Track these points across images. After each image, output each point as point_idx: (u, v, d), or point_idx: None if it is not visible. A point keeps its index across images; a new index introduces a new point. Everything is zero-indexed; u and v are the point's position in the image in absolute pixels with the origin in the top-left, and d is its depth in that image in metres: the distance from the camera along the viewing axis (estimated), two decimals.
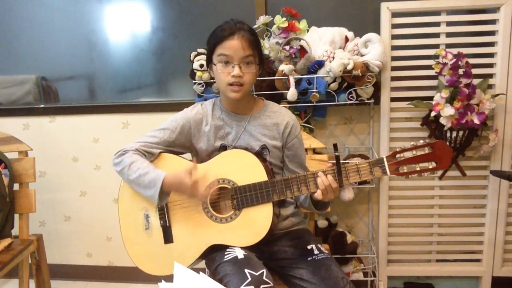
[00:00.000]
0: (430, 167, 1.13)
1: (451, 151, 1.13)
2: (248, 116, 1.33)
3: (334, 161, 1.15)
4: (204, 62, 1.71)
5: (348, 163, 1.18)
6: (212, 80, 1.75)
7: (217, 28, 1.24)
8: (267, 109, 1.35)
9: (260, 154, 1.30)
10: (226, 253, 1.20)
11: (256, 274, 1.11)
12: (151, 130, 1.36)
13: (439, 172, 1.86)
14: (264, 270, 1.13)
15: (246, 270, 1.11)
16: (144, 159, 1.29)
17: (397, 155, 1.14)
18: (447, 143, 1.71)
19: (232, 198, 1.26)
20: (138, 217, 1.33)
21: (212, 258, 1.25)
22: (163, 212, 1.30)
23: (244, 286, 1.07)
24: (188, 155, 1.41)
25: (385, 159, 1.14)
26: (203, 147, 1.34)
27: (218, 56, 1.23)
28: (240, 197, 1.24)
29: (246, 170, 1.25)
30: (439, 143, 1.12)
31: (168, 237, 1.29)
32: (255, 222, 1.23)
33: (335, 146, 1.16)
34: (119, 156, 1.31)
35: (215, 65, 1.24)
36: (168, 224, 1.30)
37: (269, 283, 1.11)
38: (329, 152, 1.80)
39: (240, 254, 1.18)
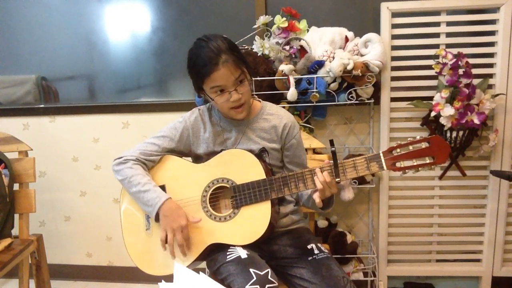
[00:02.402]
0: (428, 162, 1.12)
1: (448, 146, 1.12)
2: (246, 121, 1.33)
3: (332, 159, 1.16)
4: None
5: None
6: None
7: (197, 60, 1.19)
8: (264, 112, 1.35)
9: (259, 156, 1.30)
10: (228, 253, 1.20)
11: (261, 273, 1.11)
12: (150, 136, 1.35)
13: (439, 172, 1.86)
14: (269, 270, 1.13)
15: (251, 270, 1.11)
16: (145, 172, 1.29)
17: (394, 151, 1.13)
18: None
19: (231, 197, 1.26)
20: (139, 218, 1.33)
21: (214, 258, 1.25)
22: None
23: (250, 285, 1.07)
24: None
25: (381, 154, 1.14)
26: (203, 152, 1.34)
27: (211, 88, 1.21)
28: (238, 196, 1.24)
29: (244, 169, 1.25)
30: (436, 138, 1.11)
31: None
32: (254, 220, 1.23)
33: (331, 141, 1.17)
34: (119, 164, 1.30)
35: (210, 97, 1.24)
36: None
37: (274, 283, 1.11)
38: (329, 152, 1.80)
39: (243, 253, 1.18)
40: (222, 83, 1.19)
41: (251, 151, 1.29)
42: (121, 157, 1.31)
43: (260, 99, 1.40)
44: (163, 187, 1.31)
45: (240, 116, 1.27)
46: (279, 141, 1.33)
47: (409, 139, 1.13)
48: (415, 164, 1.12)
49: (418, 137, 1.13)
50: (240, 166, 1.26)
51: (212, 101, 1.26)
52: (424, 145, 1.12)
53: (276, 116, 1.34)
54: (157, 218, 1.25)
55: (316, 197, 1.16)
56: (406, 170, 1.13)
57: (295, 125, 1.35)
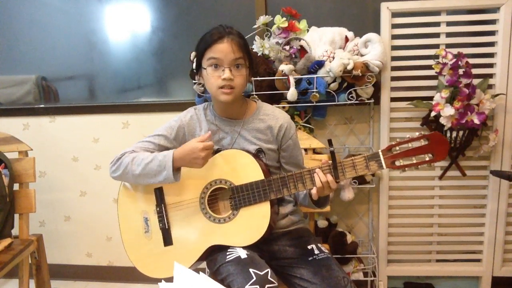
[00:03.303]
0: (427, 159, 1.11)
1: (447, 142, 1.12)
2: (241, 121, 1.33)
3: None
4: None
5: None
6: None
7: (206, 34, 1.25)
8: (260, 112, 1.35)
9: (256, 156, 1.30)
10: (228, 253, 1.20)
11: (261, 273, 1.11)
12: (146, 136, 1.35)
13: (439, 172, 1.86)
14: (269, 270, 1.13)
15: (250, 270, 1.11)
16: (143, 152, 1.29)
17: (393, 149, 1.13)
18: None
19: (230, 198, 1.26)
20: (137, 221, 1.33)
21: (213, 259, 1.25)
22: (162, 215, 1.30)
23: (249, 285, 1.07)
24: None
25: (380, 153, 1.13)
26: None
27: (208, 60, 1.22)
28: (237, 197, 1.24)
29: (242, 169, 1.25)
30: (435, 134, 1.11)
31: (167, 240, 1.29)
32: (253, 221, 1.23)
33: (329, 141, 1.17)
34: (116, 161, 1.29)
35: (205, 69, 1.24)
36: (167, 227, 1.29)
37: (274, 283, 1.11)
38: (329, 152, 1.80)
39: (243, 254, 1.18)
40: (220, 56, 1.20)
41: (247, 151, 1.28)
42: (115, 157, 1.30)
43: (256, 100, 1.40)
44: (160, 189, 1.31)
45: (225, 98, 1.23)
46: (275, 142, 1.33)
47: (408, 136, 1.13)
48: (414, 161, 1.11)
49: (417, 134, 1.12)
50: (238, 166, 1.26)
51: (204, 70, 1.24)
52: (423, 142, 1.11)
53: (272, 116, 1.34)
54: (177, 176, 1.23)
55: (314, 193, 1.16)
56: (406, 168, 1.12)
57: (291, 126, 1.35)
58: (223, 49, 1.20)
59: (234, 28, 1.26)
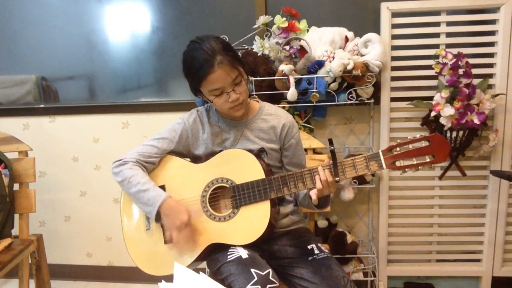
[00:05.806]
0: (427, 160, 1.11)
1: (448, 144, 1.12)
2: (244, 121, 1.33)
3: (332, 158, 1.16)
4: None
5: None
6: None
7: (192, 63, 1.19)
8: (263, 112, 1.35)
9: (258, 156, 1.30)
10: (229, 253, 1.20)
11: (263, 273, 1.11)
12: (149, 138, 1.35)
13: (439, 172, 1.86)
14: (270, 270, 1.13)
15: (252, 270, 1.11)
16: (144, 173, 1.29)
17: (394, 149, 1.13)
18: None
19: (231, 197, 1.26)
20: (139, 218, 1.33)
21: (214, 258, 1.25)
22: None
23: (251, 285, 1.07)
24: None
25: (381, 153, 1.13)
26: (202, 153, 1.35)
27: (209, 92, 1.21)
28: (238, 196, 1.24)
29: (244, 168, 1.25)
30: (436, 136, 1.11)
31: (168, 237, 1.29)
32: (253, 220, 1.23)
33: (330, 140, 1.17)
34: (119, 166, 1.29)
35: (210, 99, 1.24)
36: None
37: (275, 283, 1.11)
38: (329, 152, 1.80)
39: (244, 253, 1.18)
40: (219, 85, 1.19)
41: (250, 151, 1.28)
42: (120, 160, 1.30)
43: (258, 100, 1.40)
44: (163, 187, 1.31)
45: (239, 114, 1.26)
46: (278, 142, 1.33)
47: (409, 137, 1.13)
48: (415, 162, 1.11)
49: (418, 135, 1.13)
50: (240, 166, 1.26)
51: (210, 102, 1.26)
52: (424, 143, 1.11)
53: (275, 116, 1.34)
54: (157, 218, 1.24)
55: (313, 194, 1.16)
56: (406, 169, 1.12)
57: (293, 125, 1.35)
58: (218, 77, 1.17)
59: (213, 39, 1.19)
